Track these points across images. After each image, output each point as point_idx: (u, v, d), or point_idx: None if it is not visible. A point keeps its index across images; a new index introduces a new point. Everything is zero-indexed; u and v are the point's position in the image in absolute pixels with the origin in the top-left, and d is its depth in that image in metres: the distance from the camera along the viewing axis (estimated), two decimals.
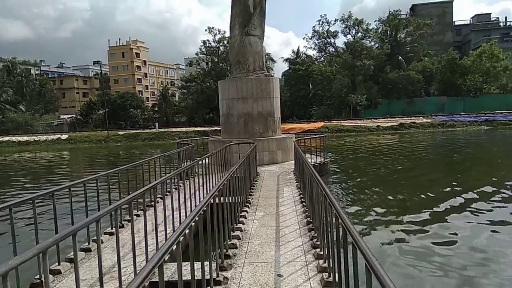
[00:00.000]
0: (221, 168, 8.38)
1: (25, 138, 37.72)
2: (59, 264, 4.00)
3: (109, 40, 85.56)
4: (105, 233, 5.13)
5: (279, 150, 12.32)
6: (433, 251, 5.56)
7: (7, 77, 70.34)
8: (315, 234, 4.43)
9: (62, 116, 68.79)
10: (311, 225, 4.91)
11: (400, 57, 49.96)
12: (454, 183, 10.80)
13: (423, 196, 9.50)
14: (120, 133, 39.30)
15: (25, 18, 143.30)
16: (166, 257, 1.99)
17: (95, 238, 4.36)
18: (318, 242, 4.13)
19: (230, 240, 4.35)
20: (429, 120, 39.58)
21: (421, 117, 41.34)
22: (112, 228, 5.20)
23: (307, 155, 11.68)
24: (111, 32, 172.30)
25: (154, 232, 4.09)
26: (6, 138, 37.46)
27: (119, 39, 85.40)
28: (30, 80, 72.22)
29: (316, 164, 10.99)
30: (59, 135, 39.53)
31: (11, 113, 54.13)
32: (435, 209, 8.05)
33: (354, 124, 38.10)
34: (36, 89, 70.99)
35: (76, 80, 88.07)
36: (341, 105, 47.69)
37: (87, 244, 4.58)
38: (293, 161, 10.51)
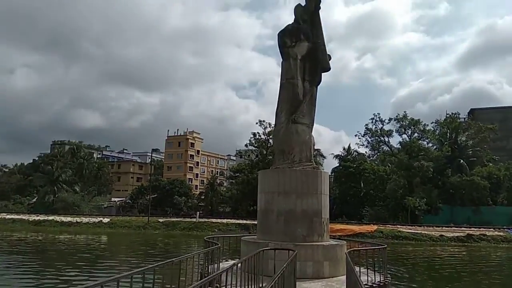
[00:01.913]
0: (252, 277, 6.36)
1: (68, 218, 37.87)
2: None
3: (168, 130, 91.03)
4: None
5: (326, 261, 9.89)
6: None
7: (71, 158, 75.44)
8: None
9: (113, 199, 70.43)
10: None
11: (462, 161, 46.48)
12: None
13: None
14: (161, 220, 38.27)
15: (102, 109, 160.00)
16: None
17: None
18: None
19: None
20: (501, 234, 34.47)
21: (491, 229, 36.23)
22: None
23: (362, 269, 9.18)
24: (174, 124, 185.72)
25: None
26: (51, 217, 37.82)
27: (177, 129, 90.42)
28: (90, 163, 76.73)
29: (374, 285, 8.44)
30: (101, 218, 39.27)
31: (64, 193, 56.14)
32: None
33: (413, 231, 33.95)
34: (94, 171, 74.75)
35: (132, 165, 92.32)
36: (396, 208, 43.79)
37: None
38: (345, 277, 8.08)
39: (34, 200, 59.31)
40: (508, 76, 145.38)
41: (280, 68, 12.51)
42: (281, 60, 12.47)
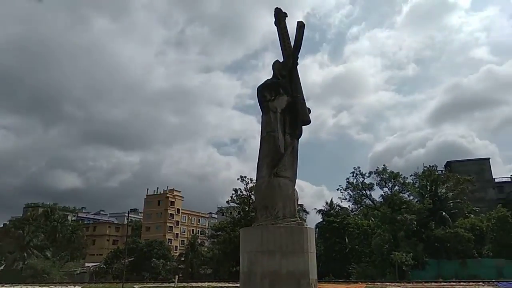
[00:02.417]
0: None
1: (36, 287, 34.83)
2: None
3: (147, 189, 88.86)
4: None
5: None
6: None
7: (44, 222, 71.72)
8: None
9: (86, 264, 66.48)
10: None
11: (444, 213, 46.53)
12: None
13: None
14: (136, 286, 35.69)
15: (80, 170, 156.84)
16: None
17: None
18: None
19: None
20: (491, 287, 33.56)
21: (481, 283, 35.30)
22: None
23: None
24: (155, 183, 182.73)
25: None
26: (17, 287, 34.74)
27: (157, 187, 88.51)
28: (64, 226, 73.06)
29: None
30: (73, 286, 36.40)
31: (34, 259, 52.49)
32: None
33: None
34: (67, 235, 70.95)
35: (109, 227, 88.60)
36: (384, 264, 42.61)
37: None
38: None
39: (2, 268, 55.07)
40: (478, 130, 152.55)
41: (261, 123, 12.43)
42: (261, 115, 12.44)
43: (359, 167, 50.07)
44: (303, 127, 12.73)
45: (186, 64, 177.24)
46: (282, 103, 12.38)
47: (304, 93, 12.61)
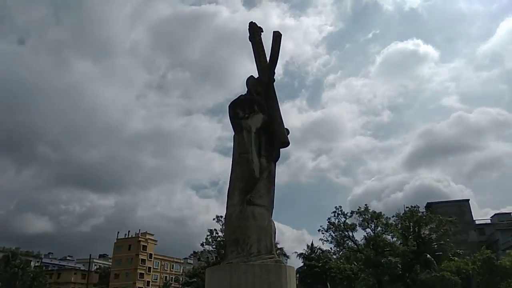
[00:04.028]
0: None
1: None
2: None
3: (118, 232, 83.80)
4: None
5: None
6: None
7: (4, 268, 65.90)
8: None
9: None
10: None
11: (428, 256, 44.83)
12: None
13: None
14: None
15: (52, 213, 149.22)
16: None
17: None
18: None
19: None
20: None
21: None
22: None
23: None
24: (129, 227, 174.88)
25: None
26: None
27: (129, 231, 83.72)
28: (26, 272, 67.27)
29: None
30: None
31: None
32: None
33: None
34: (27, 282, 65.13)
35: (74, 274, 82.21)
36: None
37: None
38: None
39: None
40: (452, 174, 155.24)
41: (232, 144, 10.89)
42: (233, 134, 10.94)
43: (340, 206, 48.43)
44: (282, 149, 11.30)
45: (167, 107, 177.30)
46: (257, 121, 10.94)
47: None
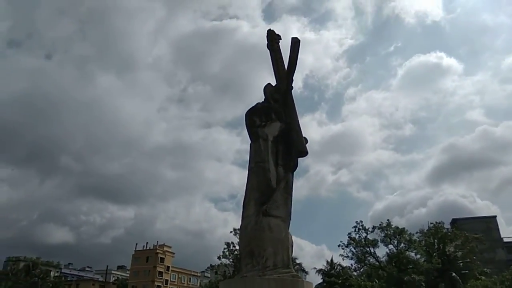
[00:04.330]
0: None
1: None
2: None
3: (136, 244, 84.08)
4: None
5: None
6: None
7: (24, 277, 66.91)
8: None
9: None
10: None
11: (454, 274, 42.91)
12: None
13: None
14: None
15: (72, 224, 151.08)
16: None
17: None
18: None
19: None
20: None
21: None
22: None
23: None
24: (148, 238, 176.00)
25: None
26: None
27: (147, 243, 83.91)
28: (45, 282, 68.13)
29: None
30: None
31: None
32: None
33: None
34: None
35: (92, 285, 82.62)
36: None
37: None
38: None
39: None
40: (478, 190, 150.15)
41: (249, 153, 10.55)
42: (249, 143, 10.61)
43: (361, 221, 47.10)
44: (300, 159, 10.90)
45: (187, 120, 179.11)
46: (274, 130, 10.60)
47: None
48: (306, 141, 10.94)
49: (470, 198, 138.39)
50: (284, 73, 11.07)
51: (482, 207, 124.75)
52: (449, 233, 50.02)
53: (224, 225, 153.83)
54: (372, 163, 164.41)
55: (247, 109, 10.91)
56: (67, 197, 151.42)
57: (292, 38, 10.44)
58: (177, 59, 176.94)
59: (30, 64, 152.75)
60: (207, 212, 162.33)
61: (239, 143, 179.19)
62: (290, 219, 9.56)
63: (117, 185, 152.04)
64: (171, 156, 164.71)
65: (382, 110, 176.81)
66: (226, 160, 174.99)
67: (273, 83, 11.31)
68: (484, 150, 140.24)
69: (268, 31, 11.83)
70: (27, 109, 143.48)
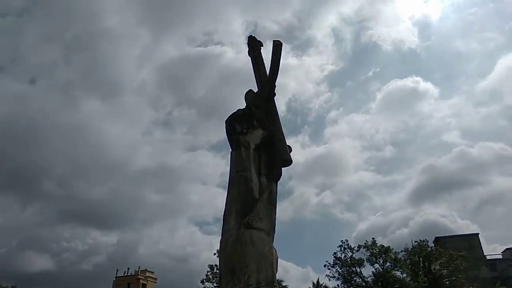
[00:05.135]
0: None
1: None
2: None
3: (117, 270, 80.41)
4: None
5: None
6: None
7: None
8: None
9: None
10: None
11: None
12: None
13: None
14: None
15: (54, 251, 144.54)
16: None
17: None
18: None
19: None
20: None
21: None
22: None
23: None
24: (130, 264, 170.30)
25: None
26: None
27: (128, 268, 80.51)
28: None
29: None
30: None
31: None
32: None
33: None
34: None
35: None
36: None
37: None
38: None
39: None
40: (458, 210, 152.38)
41: (229, 161, 9.89)
42: (230, 151, 9.96)
43: (346, 240, 46.53)
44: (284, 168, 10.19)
45: (172, 143, 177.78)
46: (257, 137, 9.97)
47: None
48: (290, 149, 10.38)
49: (451, 218, 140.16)
50: (266, 79, 10.58)
51: (462, 227, 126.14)
52: (434, 251, 49.78)
53: (209, 248, 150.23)
54: (354, 184, 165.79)
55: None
56: (48, 223, 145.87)
57: (274, 41, 9.99)
58: (162, 83, 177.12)
59: (13, 88, 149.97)
60: (192, 236, 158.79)
61: (224, 165, 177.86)
62: (275, 232, 8.84)
63: (100, 210, 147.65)
64: (155, 180, 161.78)
65: (363, 133, 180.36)
66: (211, 183, 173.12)
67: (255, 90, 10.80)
68: (462, 171, 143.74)
69: (249, 37, 11.41)
70: (9, 134, 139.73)
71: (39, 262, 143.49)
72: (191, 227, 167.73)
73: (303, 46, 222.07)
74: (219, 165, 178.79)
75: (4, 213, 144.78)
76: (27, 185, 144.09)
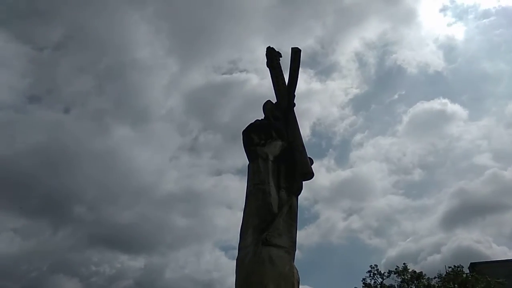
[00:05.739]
0: None
1: None
2: None
3: None
4: None
5: None
6: None
7: None
8: None
9: None
10: None
11: None
12: None
13: None
14: None
15: (83, 275, 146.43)
16: None
17: None
18: None
19: None
20: None
21: None
22: None
23: None
24: None
25: None
26: None
27: None
28: None
29: None
30: None
31: None
32: None
33: None
34: None
35: None
36: None
37: None
38: None
39: None
40: (494, 235, 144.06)
41: (247, 174, 9.37)
42: (247, 163, 9.46)
43: (376, 265, 44.16)
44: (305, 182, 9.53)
45: (198, 167, 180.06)
46: (275, 149, 9.41)
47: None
48: (312, 161, 9.76)
49: (486, 244, 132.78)
50: (285, 90, 10.18)
51: (498, 253, 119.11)
52: (470, 278, 46.85)
53: (233, 273, 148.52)
54: (383, 208, 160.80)
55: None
56: (78, 247, 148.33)
57: (292, 48, 9.62)
58: (189, 110, 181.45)
59: (48, 117, 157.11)
60: (217, 261, 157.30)
61: None
62: (296, 249, 8.14)
63: (128, 234, 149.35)
64: (181, 204, 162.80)
65: (389, 156, 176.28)
66: (237, 207, 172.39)
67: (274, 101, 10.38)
68: (495, 194, 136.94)
69: (267, 48, 11.12)
70: (42, 161, 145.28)
71: (68, 286, 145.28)
72: (216, 252, 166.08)
73: (327, 71, 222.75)
74: (244, 189, 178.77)
75: (38, 237, 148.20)
76: (59, 210, 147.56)
